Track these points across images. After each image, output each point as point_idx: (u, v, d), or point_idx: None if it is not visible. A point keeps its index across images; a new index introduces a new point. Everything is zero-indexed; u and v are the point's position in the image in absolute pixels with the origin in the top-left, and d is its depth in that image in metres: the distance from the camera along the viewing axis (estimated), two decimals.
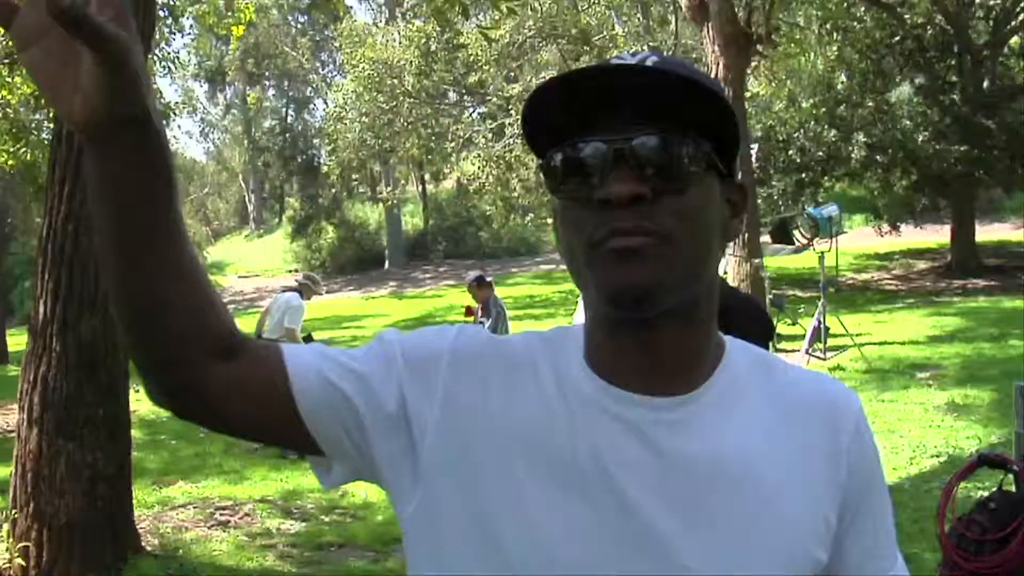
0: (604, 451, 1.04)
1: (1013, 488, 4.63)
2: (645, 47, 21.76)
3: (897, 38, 20.80)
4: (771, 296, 13.46)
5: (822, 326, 12.10)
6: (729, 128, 1.04)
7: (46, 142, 14.07)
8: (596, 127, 1.01)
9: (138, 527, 6.31)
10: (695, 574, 1.01)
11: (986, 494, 4.85)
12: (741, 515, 1.02)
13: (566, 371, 1.09)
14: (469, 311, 10.40)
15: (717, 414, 1.06)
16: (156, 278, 0.98)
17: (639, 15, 23.05)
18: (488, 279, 10.03)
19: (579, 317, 12.41)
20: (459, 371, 1.09)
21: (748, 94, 19.03)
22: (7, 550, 5.63)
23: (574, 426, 1.05)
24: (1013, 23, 20.77)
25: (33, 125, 16.23)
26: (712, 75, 14.32)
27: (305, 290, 10.15)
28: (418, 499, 1.08)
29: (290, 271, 40.45)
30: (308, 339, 9.71)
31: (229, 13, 17.06)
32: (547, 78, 1.04)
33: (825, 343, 12.12)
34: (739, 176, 1.11)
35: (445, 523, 1.06)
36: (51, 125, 9.47)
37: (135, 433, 6.75)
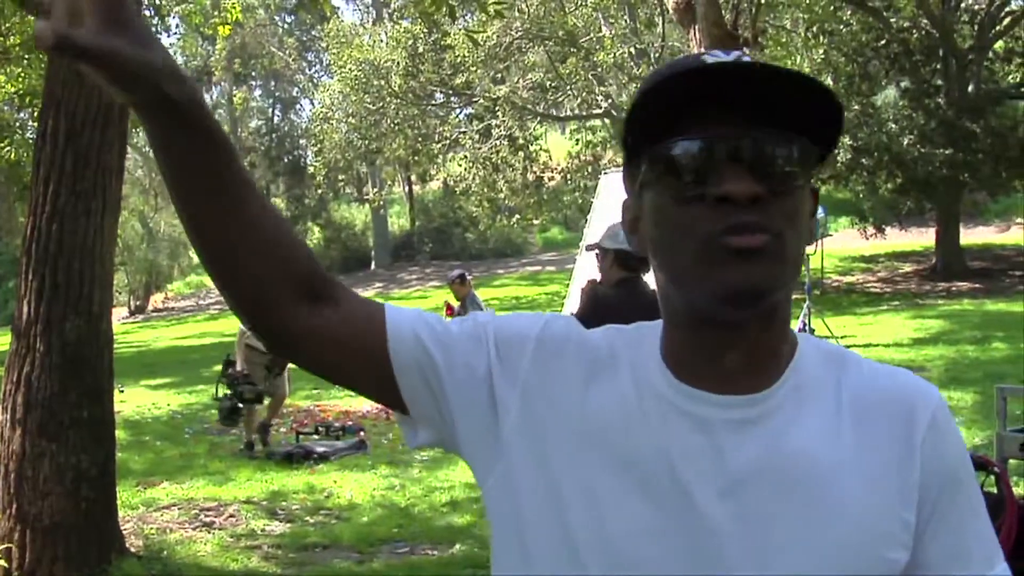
0: (672, 449, 1.05)
1: (995, 490, 4.66)
2: (632, 49, 21.81)
3: (883, 41, 20.89)
4: None
5: (807, 328, 12.16)
6: (835, 135, 1.04)
7: (30, 141, 14.00)
8: (703, 124, 1.01)
9: (122, 528, 6.28)
10: (753, 574, 1.01)
11: None
12: (804, 516, 1.02)
13: (643, 367, 1.11)
14: (450, 309, 10.61)
15: (786, 413, 1.06)
16: (221, 223, 1.03)
17: (626, 17, 23.06)
18: (468, 277, 10.60)
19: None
20: (542, 360, 1.11)
21: None
22: None
23: (646, 422, 1.07)
24: (998, 27, 20.88)
25: (17, 124, 16.15)
26: None
27: None
28: (499, 472, 1.11)
29: None
30: None
31: (216, 13, 17.02)
32: (658, 69, 1.04)
33: None
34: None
35: (523, 502, 1.09)
36: (35, 124, 9.43)
37: (119, 434, 6.74)
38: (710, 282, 1.01)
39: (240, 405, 9.42)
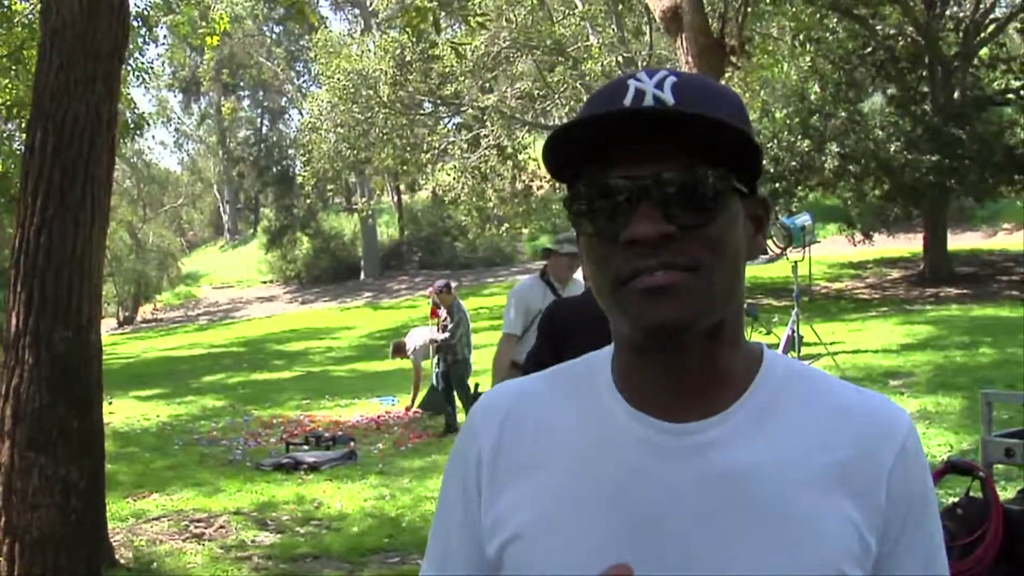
0: (636, 478, 1.06)
1: (980, 494, 4.69)
2: (619, 57, 21.85)
3: (869, 49, 21.00)
4: (745, 305, 13.52)
5: (796, 335, 12.17)
6: (750, 150, 1.04)
7: (18, 152, 13.96)
8: (619, 163, 1.02)
9: (112, 540, 6.27)
10: None
11: (955, 500, 4.91)
12: (769, 536, 1.02)
13: (595, 400, 1.12)
14: (435, 313, 11.43)
15: (748, 434, 1.06)
16: None
17: (613, 26, 23.11)
18: (453, 286, 11.48)
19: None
20: (497, 465, 1.14)
21: None
22: None
23: (607, 454, 1.08)
24: (983, 34, 21.01)
25: (5, 135, 16.12)
26: None
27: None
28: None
29: (264, 282, 40.35)
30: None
31: (203, 23, 17.03)
32: (566, 121, 1.05)
33: (799, 352, 12.19)
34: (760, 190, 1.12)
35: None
36: (23, 135, 9.41)
37: (108, 446, 6.72)
38: (627, 318, 1.04)
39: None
